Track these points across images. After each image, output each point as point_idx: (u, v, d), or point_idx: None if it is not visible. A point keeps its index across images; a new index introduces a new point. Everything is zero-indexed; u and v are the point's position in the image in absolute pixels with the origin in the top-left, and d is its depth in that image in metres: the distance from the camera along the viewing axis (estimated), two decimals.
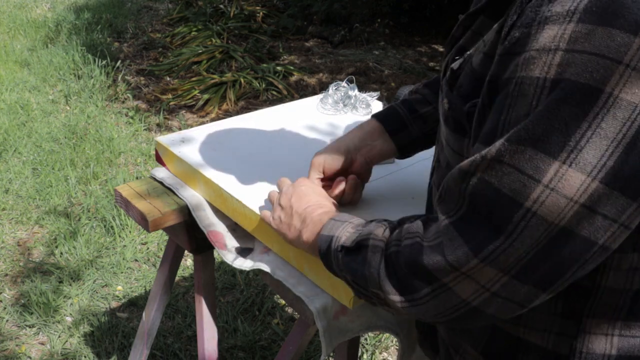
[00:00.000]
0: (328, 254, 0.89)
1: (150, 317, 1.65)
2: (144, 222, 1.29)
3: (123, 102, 4.29)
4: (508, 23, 0.70)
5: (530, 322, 0.80)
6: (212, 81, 4.43)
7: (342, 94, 1.65)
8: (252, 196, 1.21)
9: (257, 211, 1.16)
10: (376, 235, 0.82)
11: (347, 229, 0.88)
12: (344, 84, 1.68)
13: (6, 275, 2.52)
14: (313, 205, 0.99)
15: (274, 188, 1.24)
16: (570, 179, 0.63)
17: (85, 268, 2.56)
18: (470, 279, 0.70)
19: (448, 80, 0.84)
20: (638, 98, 0.61)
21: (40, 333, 2.24)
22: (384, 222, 0.86)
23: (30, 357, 2.14)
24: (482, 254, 0.68)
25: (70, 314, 2.32)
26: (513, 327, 0.82)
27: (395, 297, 0.77)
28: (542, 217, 0.65)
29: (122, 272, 2.55)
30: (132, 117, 4.00)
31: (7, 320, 2.28)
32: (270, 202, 1.09)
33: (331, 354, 1.98)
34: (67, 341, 2.20)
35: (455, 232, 0.71)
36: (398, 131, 1.13)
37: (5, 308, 2.34)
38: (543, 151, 0.64)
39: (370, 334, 2.26)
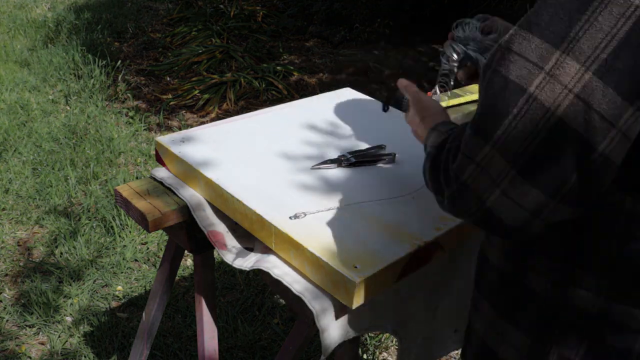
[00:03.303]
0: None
1: (150, 317, 1.65)
2: (144, 222, 1.29)
3: (123, 102, 4.29)
4: None
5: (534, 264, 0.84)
6: (212, 81, 4.43)
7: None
8: (252, 196, 1.21)
9: (257, 211, 1.16)
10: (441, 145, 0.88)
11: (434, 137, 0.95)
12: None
13: (6, 275, 2.52)
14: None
15: (274, 188, 1.24)
16: (566, 67, 0.67)
17: (85, 268, 2.55)
18: (484, 172, 0.73)
19: None
20: None
21: (40, 333, 2.24)
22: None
23: (30, 357, 2.14)
24: (492, 140, 0.72)
25: (70, 314, 2.32)
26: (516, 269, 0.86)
27: (436, 197, 0.85)
28: (541, 103, 0.68)
29: (122, 272, 2.55)
30: (132, 117, 4.00)
31: (7, 320, 2.28)
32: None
33: (331, 354, 1.97)
34: (67, 341, 2.20)
35: (471, 126, 0.75)
36: None
37: (5, 308, 2.34)
38: (548, 40, 0.68)
39: (370, 334, 2.26)
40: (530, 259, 0.84)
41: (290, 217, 1.15)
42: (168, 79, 4.73)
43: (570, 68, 0.67)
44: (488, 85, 0.73)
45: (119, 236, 2.74)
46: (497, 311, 0.91)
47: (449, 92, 2.05)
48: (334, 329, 1.07)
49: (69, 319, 2.30)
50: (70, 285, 2.46)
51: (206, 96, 4.26)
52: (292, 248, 1.10)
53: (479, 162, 0.73)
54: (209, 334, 1.51)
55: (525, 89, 0.69)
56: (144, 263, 2.63)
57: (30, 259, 2.61)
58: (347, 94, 1.80)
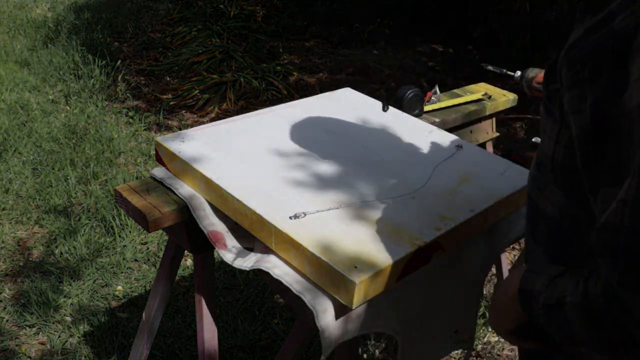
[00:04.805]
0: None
1: (151, 317, 1.65)
2: (144, 222, 1.29)
3: (123, 102, 4.29)
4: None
5: None
6: (212, 81, 4.43)
7: None
8: (252, 196, 1.21)
9: (257, 211, 1.16)
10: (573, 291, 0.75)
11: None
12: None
13: (6, 275, 2.52)
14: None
15: (274, 188, 1.24)
16: None
17: (85, 268, 2.55)
18: None
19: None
20: None
21: (40, 333, 2.24)
22: (576, 274, 0.77)
23: (30, 357, 2.14)
24: None
25: (70, 314, 2.32)
26: None
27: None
28: None
29: (122, 272, 2.55)
30: (132, 117, 4.00)
31: (7, 320, 2.28)
32: None
33: (331, 354, 1.98)
34: (67, 341, 2.20)
35: (625, 291, 0.66)
36: None
37: (5, 308, 2.34)
38: None
39: (370, 334, 2.26)
40: None
41: (290, 217, 1.15)
42: (168, 78, 4.73)
43: None
44: (628, 246, 0.63)
45: (119, 236, 2.74)
46: None
47: (448, 92, 2.05)
48: (334, 329, 1.06)
49: (68, 318, 2.30)
50: (70, 285, 2.46)
51: (206, 96, 4.27)
52: (292, 248, 1.10)
53: None
54: (209, 334, 1.51)
55: None
56: (144, 263, 2.63)
57: (30, 258, 2.61)
58: (347, 94, 1.80)
